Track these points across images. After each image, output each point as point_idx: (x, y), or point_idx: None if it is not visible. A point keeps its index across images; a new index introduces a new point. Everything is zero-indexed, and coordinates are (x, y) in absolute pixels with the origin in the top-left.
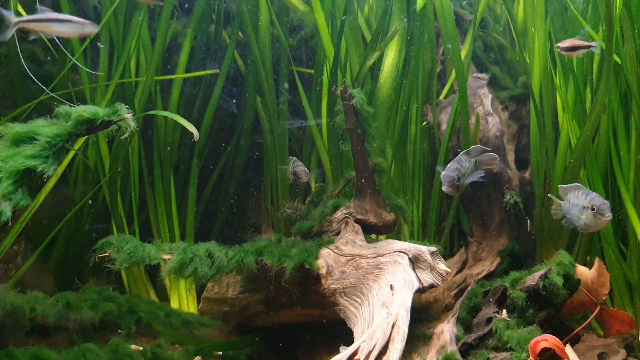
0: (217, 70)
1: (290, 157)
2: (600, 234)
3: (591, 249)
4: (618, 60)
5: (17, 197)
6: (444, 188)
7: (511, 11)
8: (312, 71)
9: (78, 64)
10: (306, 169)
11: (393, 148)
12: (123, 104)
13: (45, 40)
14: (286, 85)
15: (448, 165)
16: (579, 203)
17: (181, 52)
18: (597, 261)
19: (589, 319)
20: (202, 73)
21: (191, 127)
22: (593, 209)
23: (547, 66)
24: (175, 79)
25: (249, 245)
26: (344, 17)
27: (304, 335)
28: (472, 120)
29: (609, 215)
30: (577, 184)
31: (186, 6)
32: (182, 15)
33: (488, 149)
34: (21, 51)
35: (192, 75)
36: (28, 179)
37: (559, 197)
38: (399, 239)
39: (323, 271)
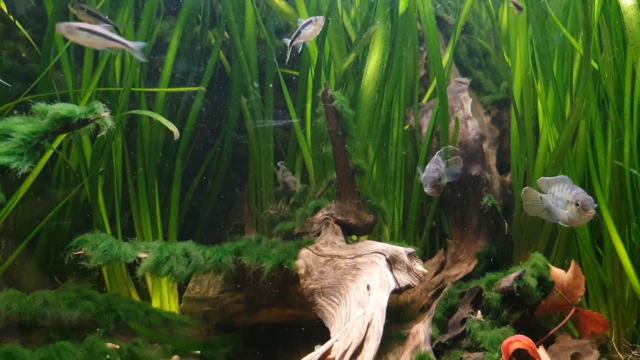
0: (203, 88)
1: (280, 164)
2: (578, 237)
3: (569, 252)
4: (596, 66)
5: None
6: (426, 189)
7: (495, 17)
8: (297, 73)
9: None
10: (294, 178)
11: (375, 150)
12: (100, 103)
13: (29, 37)
14: (270, 85)
15: (427, 167)
16: (564, 197)
17: (168, 51)
18: (573, 264)
19: (564, 321)
20: (187, 89)
21: (172, 127)
22: (577, 204)
23: (528, 72)
24: (162, 78)
25: (227, 245)
26: (327, 20)
27: (283, 334)
28: (452, 123)
29: (592, 212)
30: (562, 176)
31: (173, 8)
32: (168, 15)
33: (456, 148)
34: (4, 49)
35: (175, 90)
36: (2, 176)
37: (540, 192)
38: (380, 240)
39: (302, 271)
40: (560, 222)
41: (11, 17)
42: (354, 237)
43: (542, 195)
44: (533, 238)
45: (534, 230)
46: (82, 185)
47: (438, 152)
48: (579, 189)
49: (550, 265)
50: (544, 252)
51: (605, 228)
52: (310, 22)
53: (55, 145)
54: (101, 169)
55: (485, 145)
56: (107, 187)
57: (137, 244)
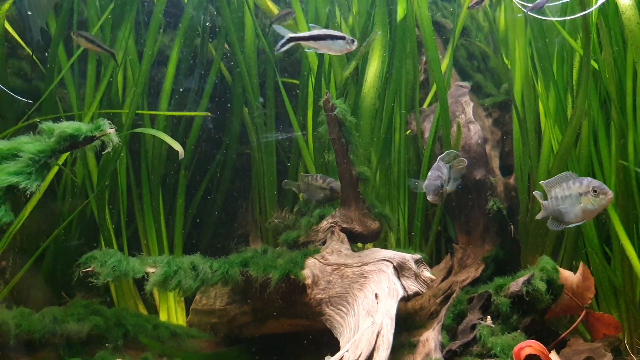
0: (209, 113)
1: (314, 174)
2: (585, 238)
3: (576, 253)
4: (596, 66)
5: (0, 214)
6: (429, 197)
7: (493, 20)
8: (297, 82)
9: None
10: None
11: (378, 156)
12: (106, 120)
13: (33, 57)
14: (261, 99)
15: (429, 174)
16: (573, 192)
17: (169, 64)
18: (581, 265)
19: (575, 323)
20: (190, 114)
21: (177, 146)
22: (595, 191)
23: (528, 73)
24: (163, 91)
25: (234, 256)
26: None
27: (292, 345)
28: (454, 128)
29: (611, 194)
30: (564, 173)
31: (173, 20)
32: (169, 29)
33: (456, 152)
34: (8, 67)
35: (176, 114)
36: (11, 196)
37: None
38: (385, 247)
39: (309, 281)
40: (571, 224)
41: (15, 35)
42: (360, 245)
43: (545, 202)
44: (540, 241)
45: (540, 233)
46: (88, 200)
47: (440, 157)
48: (586, 178)
49: (558, 267)
50: (551, 255)
51: (612, 228)
52: (343, 37)
53: (60, 160)
54: (107, 183)
55: (487, 148)
56: (112, 200)
57: (145, 258)
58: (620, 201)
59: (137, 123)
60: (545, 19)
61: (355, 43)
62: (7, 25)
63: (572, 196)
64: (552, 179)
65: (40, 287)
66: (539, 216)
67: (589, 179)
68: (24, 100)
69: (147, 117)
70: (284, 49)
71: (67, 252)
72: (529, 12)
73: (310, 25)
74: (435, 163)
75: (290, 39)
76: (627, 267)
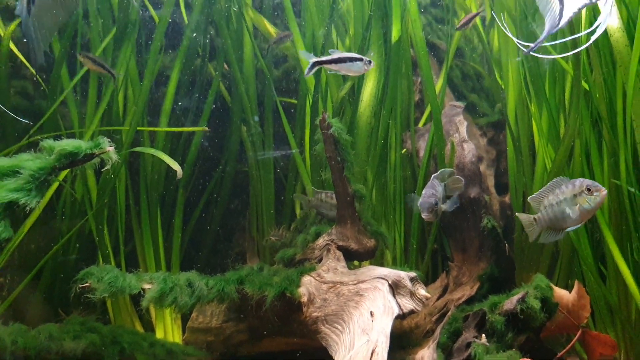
0: (206, 128)
1: (326, 191)
2: (580, 257)
3: (571, 272)
4: (587, 87)
5: None
6: (423, 215)
7: (486, 41)
8: (295, 101)
9: None
10: None
11: (374, 174)
12: (105, 138)
13: (36, 76)
14: (256, 117)
15: (423, 192)
16: (567, 195)
17: (169, 84)
18: (576, 284)
19: (572, 343)
20: (189, 129)
21: (175, 165)
22: (589, 189)
23: (521, 93)
24: (164, 110)
25: (230, 274)
26: (322, 49)
27: None
28: (449, 147)
29: (604, 190)
30: (554, 180)
31: (173, 41)
32: (169, 49)
33: (452, 169)
34: (12, 87)
35: (178, 130)
36: (11, 212)
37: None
38: (381, 265)
39: (305, 299)
40: (569, 228)
41: (19, 55)
42: (356, 263)
43: (536, 216)
44: (534, 259)
45: (535, 251)
46: (87, 218)
47: (434, 175)
48: (578, 179)
49: (553, 286)
50: (546, 273)
51: (607, 247)
52: (361, 59)
53: (60, 177)
54: (105, 201)
55: (482, 167)
56: (110, 217)
57: (141, 275)
58: (614, 219)
59: (137, 141)
60: (540, 56)
61: (373, 64)
62: (12, 46)
63: (567, 199)
64: (543, 189)
65: (37, 304)
66: (533, 235)
67: (581, 179)
68: (23, 120)
69: (147, 136)
70: (312, 72)
71: (65, 270)
72: (530, 53)
73: (330, 50)
74: (430, 181)
75: (315, 63)
76: (622, 286)
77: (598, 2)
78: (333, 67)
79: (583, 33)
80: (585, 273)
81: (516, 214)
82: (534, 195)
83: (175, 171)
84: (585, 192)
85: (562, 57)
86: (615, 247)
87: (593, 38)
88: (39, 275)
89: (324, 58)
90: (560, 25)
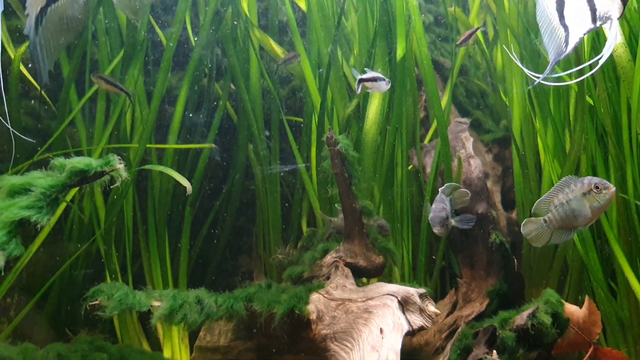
0: (213, 145)
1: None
2: (589, 272)
3: (581, 287)
4: (591, 102)
5: (11, 247)
6: (435, 230)
7: (490, 59)
8: (301, 119)
9: None
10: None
11: (381, 191)
12: (115, 155)
13: (45, 96)
14: (266, 132)
15: (433, 207)
16: (577, 194)
17: (177, 103)
18: (587, 300)
19: (584, 359)
20: (197, 146)
21: (185, 182)
22: (597, 187)
23: (526, 110)
24: (172, 129)
25: (238, 291)
26: (329, 68)
27: None
28: (455, 163)
29: (613, 187)
30: (563, 179)
31: (181, 61)
32: (177, 69)
33: (459, 185)
34: (22, 107)
35: (185, 147)
36: (22, 229)
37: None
38: (390, 281)
39: (313, 316)
40: (580, 227)
41: (29, 76)
42: (364, 280)
43: (546, 217)
44: (543, 274)
45: (544, 267)
46: (95, 237)
47: (441, 189)
48: (586, 178)
49: (563, 301)
50: (555, 289)
51: (616, 262)
52: (382, 79)
53: (69, 197)
54: (113, 219)
55: (489, 183)
56: (118, 236)
57: (151, 292)
58: (623, 234)
59: (144, 160)
60: (547, 84)
61: (389, 84)
62: (22, 67)
63: (576, 197)
64: (552, 189)
65: (44, 325)
66: (544, 239)
67: (589, 177)
68: (26, 138)
69: (154, 155)
70: (359, 90)
71: (72, 289)
72: (540, 81)
73: (365, 69)
74: (438, 195)
75: (360, 80)
76: (633, 301)
77: (603, 25)
78: (369, 84)
79: (590, 62)
80: (595, 289)
81: (525, 220)
82: (543, 198)
83: (184, 187)
84: (594, 190)
85: (566, 74)
86: (625, 262)
87: (601, 62)
88: (46, 295)
89: (366, 76)
90: (567, 53)
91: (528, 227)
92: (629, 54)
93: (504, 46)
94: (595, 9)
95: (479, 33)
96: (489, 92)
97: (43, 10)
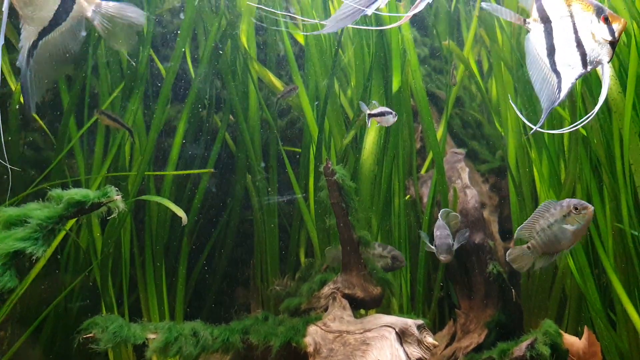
0: (212, 170)
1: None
2: (588, 302)
3: (580, 318)
4: (585, 133)
5: (5, 279)
6: (443, 257)
7: (485, 90)
8: (299, 150)
9: None
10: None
11: (378, 221)
12: (113, 187)
13: (45, 127)
14: (262, 164)
15: (438, 234)
16: (558, 217)
17: (176, 134)
18: (586, 330)
19: None
20: (196, 172)
21: (180, 212)
22: (576, 208)
23: (521, 140)
24: (170, 159)
25: (235, 323)
26: (319, 102)
27: None
28: (451, 193)
29: (591, 207)
30: (543, 204)
31: (180, 93)
32: (175, 101)
33: (450, 210)
34: (21, 139)
35: (184, 172)
36: (17, 261)
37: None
38: (388, 312)
39: (311, 349)
40: (564, 249)
41: (37, 118)
42: (362, 312)
43: (529, 244)
44: (542, 305)
45: (542, 297)
46: (91, 269)
47: (440, 215)
48: (565, 200)
49: (562, 332)
50: (554, 319)
51: (614, 292)
52: (390, 113)
53: (68, 226)
54: (110, 251)
55: (486, 213)
56: (114, 267)
57: (146, 324)
58: (620, 264)
59: (142, 191)
60: (545, 131)
61: (397, 116)
62: (22, 100)
63: (557, 221)
64: (533, 215)
65: (38, 358)
66: (528, 264)
67: (567, 199)
68: (15, 168)
69: (152, 185)
70: (369, 124)
71: (67, 321)
72: (537, 129)
73: (360, 103)
74: (438, 222)
75: (369, 115)
76: (632, 332)
77: (596, 68)
78: (377, 118)
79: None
80: (594, 319)
81: (510, 249)
82: (524, 224)
83: (180, 218)
84: (574, 211)
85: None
86: (622, 292)
87: (597, 108)
88: (40, 327)
89: (375, 111)
90: (560, 99)
91: (513, 255)
92: (619, 86)
93: (510, 101)
94: (586, 54)
95: (473, 65)
96: (485, 122)
97: (35, 43)
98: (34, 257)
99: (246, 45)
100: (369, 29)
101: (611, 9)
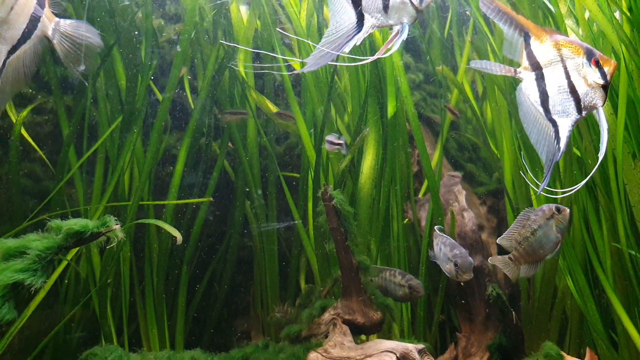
0: (210, 199)
1: (392, 269)
2: (589, 323)
3: (582, 340)
4: (579, 154)
5: (3, 312)
6: (467, 276)
7: (479, 113)
8: (298, 175)
9: None
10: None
11: (377, 245)
12: (112, 216)
13: (44, 157)
14: (259, 191)
15: (456, 252)
16: (542, 222)
17: (177, 163)
18: (588, 352)
19: None
20: (194, 201)
21: (175, 232)
22: (558, 210)
23: (517, 162)
24: (172, 187)
25: (235, 351)
26: (316, 128)
27: None
28: (449, 216)
29: (567, 208)
30: (521, 215)
31: (179, 122)
32: (175, 130)
33: (442, 227)
34: (21, 169)
35: (182, 202)
36: (16, 293)
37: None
38: (389, 337)
39: None
40: (552, 253)
41: (29, 139)
42: (363, 337)
43: (511, 254)
44: (543, 326)
45: (543, 318)
46: (90, 298)
47: (442, 234)
48: (545, 205)
49: (564, 354)
50: (556, 341)
51: (615, 312)
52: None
53: (69, 256)
54: (109, 281)
55: (484, 235)
56: (114, 297)
57: (145, 354)
58: (619, 284)
59: (142, 217)
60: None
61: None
62: (23, 131)
63: (541, 226)
64: (512, 226)
65: None
66: (514, 274)
67: (547, 205)
68: None
69: (152, 214)
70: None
71: (66, 351)
72: (540, 192)
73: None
74: (445, 239)
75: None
76: (634, 352)
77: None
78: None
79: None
80: (596, 340)
81: (489, 258)
82: (504, 235)
83: (182, 246)
84: (557, 212)
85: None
86: (623, 312)
87: (601, 155)
88: (39, 358)
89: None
90: (562, 150)
91: (494, 262)
92: (611, 108)
93: (521, 172)
94: (580, 99)
95: (468, 90)
96: (481, 145)
97: (4, 62)
98: (32, 289)
99: (244, 74)
100: (351, 65)
101: (600, 34)
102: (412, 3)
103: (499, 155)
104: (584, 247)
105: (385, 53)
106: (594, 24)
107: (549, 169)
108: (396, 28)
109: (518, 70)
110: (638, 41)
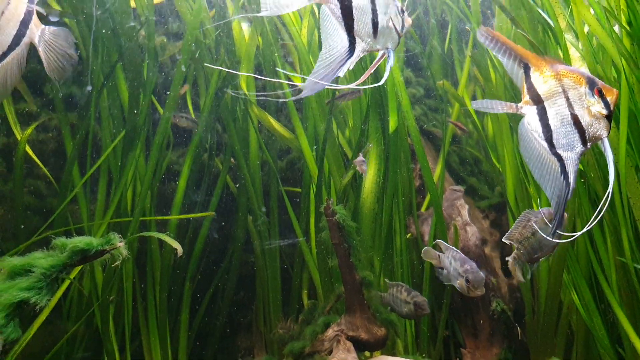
0: (212, 213)
1: (400, 284)
2: (596, 339)
3: (589, 355)
4: (581, 167)
5: (8, 330)
6: (479, 291)
7: (481, 127)
8: (300, 190)
9: None
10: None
11: (380, 260)
12: (116, 234)
13: (48, 174)
14: (263, 208)
15: (467, 267)
16: (542, 225)
17: (180, 178)
18: None
19: None
20: (197, 215)
21: (175, 244)
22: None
23: (519, 176)
24: (174, 203)
25: None
26: (325, 141)
27: None
28: (452, 230)
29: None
30: (521, 216)
31: (181, 139)
32: (177, 146)
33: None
34: (25, 186)
35: (185, 217)
36: (20, 311)
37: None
38: (393, 354)
39: None
40: (549, 252)
41: (33, 157)
42: (367, 354)
43: (513, 254)
44: (549, 342)
45: (548, 334)
46: (92, 314)
47: (446, 247)
48: (543, 209)
49: None
50: (562, 357)
51: (621, 327)
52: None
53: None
54: (111, 298)
55: (487, 249)
56: (117, 314)
57: None
58: (625, 298)
59: (144, 239)
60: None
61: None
62: (28, 148)
63: (542, 228)
64: (514, 227)
65: None
66: (519, 275)
67: (543, 208)
68: None
69: (154, 230)
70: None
71: None
72: (553, 232)
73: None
74: (454, 252)
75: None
76: None
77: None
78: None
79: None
80: (603, 356)
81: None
82: (507, 234)
83: (183, 259)
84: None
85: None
86: (629, 327)
87: (610, 188)
88: None
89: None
90: (572, 187)
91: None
92: (613, 121)
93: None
94: (584, 131)
95: (469, 104)
96: (482, 159)
97: None
98: (37, 307)
99: (246, 91)
100: (346, 87)
101: (599, 47)
102: (395, 28)
103: (500, 169)
104: (588, 261)
105: (380, 80)
106: (594, 37)
107: (558, 208)
108: (381, 52)
109: (519, 105)
110: (638, 54)
